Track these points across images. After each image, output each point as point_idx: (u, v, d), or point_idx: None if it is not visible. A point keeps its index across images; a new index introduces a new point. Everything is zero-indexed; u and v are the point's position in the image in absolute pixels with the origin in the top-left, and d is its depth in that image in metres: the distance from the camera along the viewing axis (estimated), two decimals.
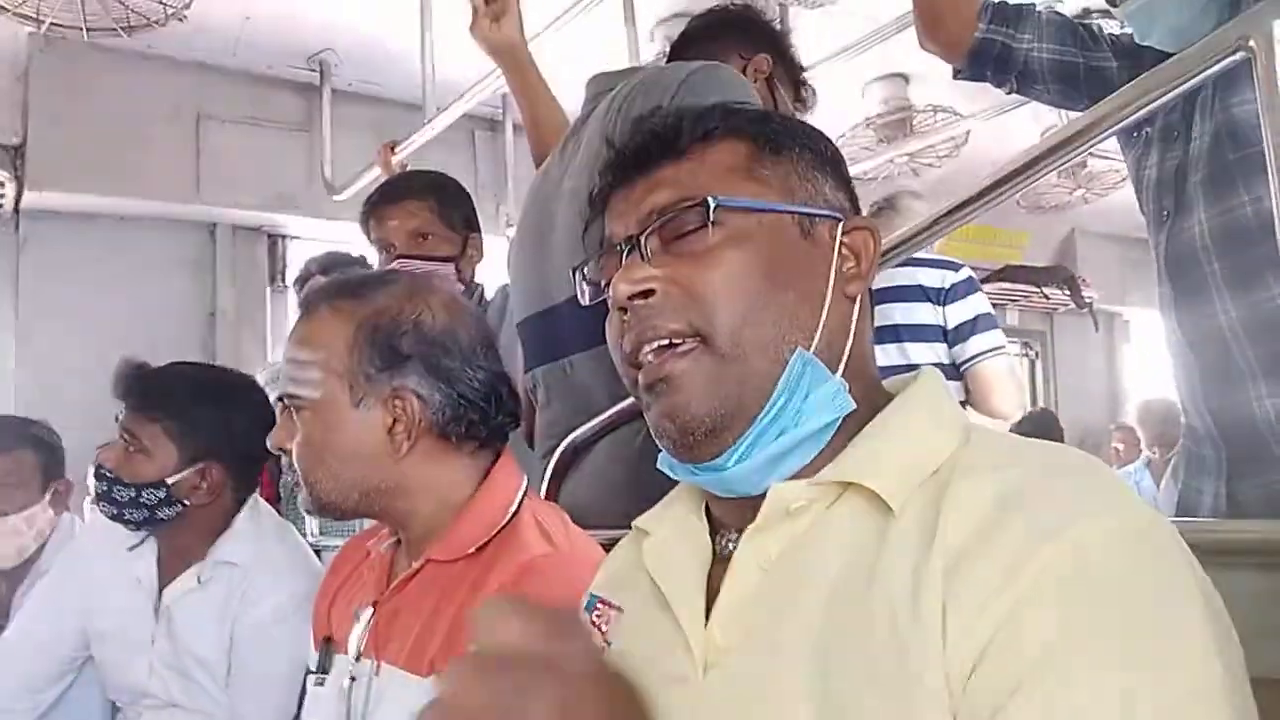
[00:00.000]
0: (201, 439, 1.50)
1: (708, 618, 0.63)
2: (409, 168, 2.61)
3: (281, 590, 1.50)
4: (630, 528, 0.76)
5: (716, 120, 0.70)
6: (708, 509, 0.71)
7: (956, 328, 2.11)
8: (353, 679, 1.03)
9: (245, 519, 1.56)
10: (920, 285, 2.12)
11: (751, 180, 0.67)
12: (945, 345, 2.13)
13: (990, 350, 2.11)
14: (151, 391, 1.53)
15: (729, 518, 0.68)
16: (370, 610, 1.05)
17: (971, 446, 0.60)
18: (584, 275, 0.75)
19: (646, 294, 0.64)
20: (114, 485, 1.49)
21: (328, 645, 1.11)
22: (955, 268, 2.16)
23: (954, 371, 2.13)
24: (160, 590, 1.56)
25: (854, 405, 0.64)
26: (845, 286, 0.67)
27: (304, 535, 2.45)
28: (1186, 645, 0.48)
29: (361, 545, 1.18)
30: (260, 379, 2.66)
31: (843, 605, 0.56)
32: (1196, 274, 1.28)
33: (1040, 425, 4.33)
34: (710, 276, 0.64)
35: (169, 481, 1.48)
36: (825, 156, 0.72)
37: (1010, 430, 4.31)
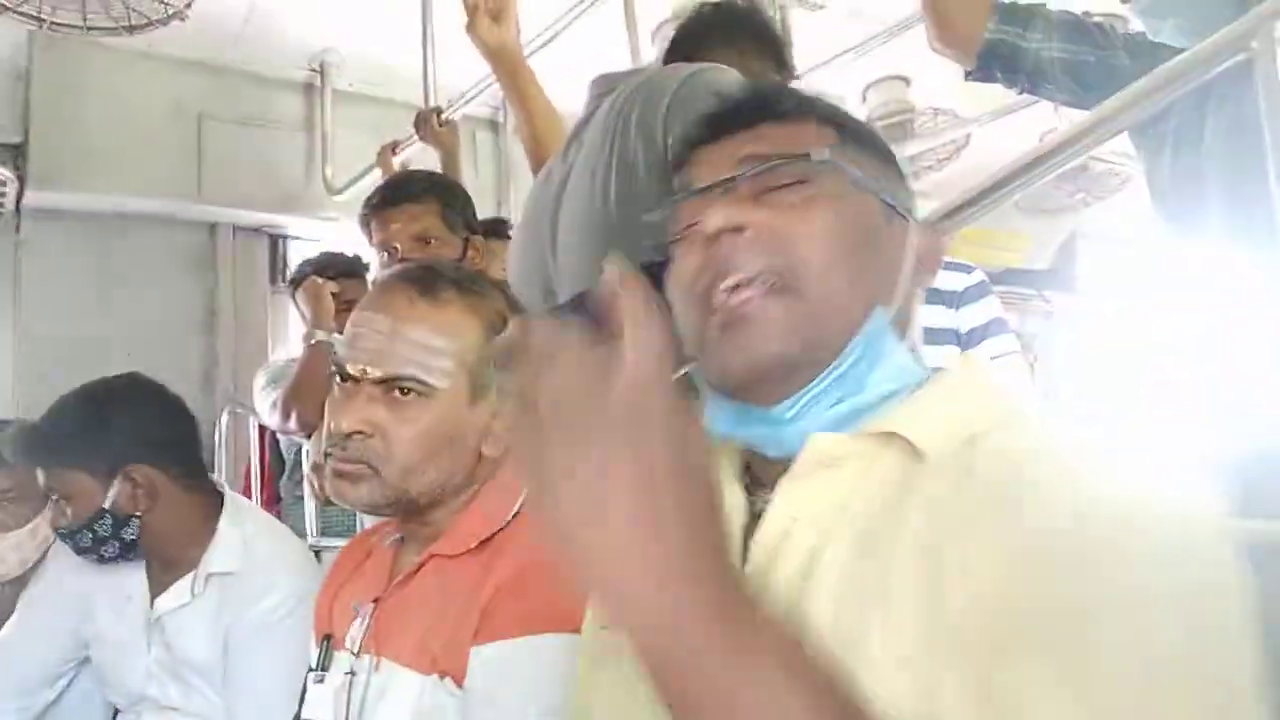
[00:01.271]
0: (104, 454, 1.49)
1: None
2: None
3: (275, 591, 1.50)
4: None
5: (813, 101, 0.71)
6: (745, 475, 0.70)
7: (969, 332, 2.07)
8: (352, 675, 1.03)
9: (228, 524, 1.55)
10: (934, 288, 2.07)
11: (844, 159, 0.67)
12: (958, 349, 2.09)
13: (1003, 354, 2.08)
14: (38, 443, 1.54)
15: (768, 476, 0.67)
16: (371, 606, 1.05)
17: (1007, 417, 0.61)
18: (650, 225, 0.73)
19: (738, 230, 0.64)
20: (72, 537, 1.51)
21: (328, 642, 1.11)
22: (968, 270, 2.12)
23: None
24: (152, 599, 1.56)
25: (926, 373, 0.66)
26: (916, 278, 0.69)
27: (304, 536, 2.45)
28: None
29: (365, 542, 1.18)
30: (261, 379, 2.67)
31: (870, 543, 0.57)
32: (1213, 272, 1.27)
33: None
34: (804, 228, 0.64)
35: (106, 506, 1.48)
36: (896, 167, 0.74)
37: None
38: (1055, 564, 0.48)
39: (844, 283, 0.63)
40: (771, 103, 0.70)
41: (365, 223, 1.95)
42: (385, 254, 1.91)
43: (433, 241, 1.88)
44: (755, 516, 0.66)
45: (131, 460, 1.49)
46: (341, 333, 1.09)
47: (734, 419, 0.66)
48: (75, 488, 1.49)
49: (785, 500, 0.63)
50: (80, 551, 1.52)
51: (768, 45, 1.52)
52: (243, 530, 1.56)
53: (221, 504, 1.59)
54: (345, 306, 2.35)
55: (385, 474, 0.97)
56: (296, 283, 2.58)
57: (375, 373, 0.98)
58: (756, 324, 0.62)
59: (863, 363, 0.63)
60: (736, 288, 0.63)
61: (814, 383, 0.63)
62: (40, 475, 1.53)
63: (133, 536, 1.50)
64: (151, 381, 1.60)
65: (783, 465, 0.64)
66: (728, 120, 0.70)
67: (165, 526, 1.52)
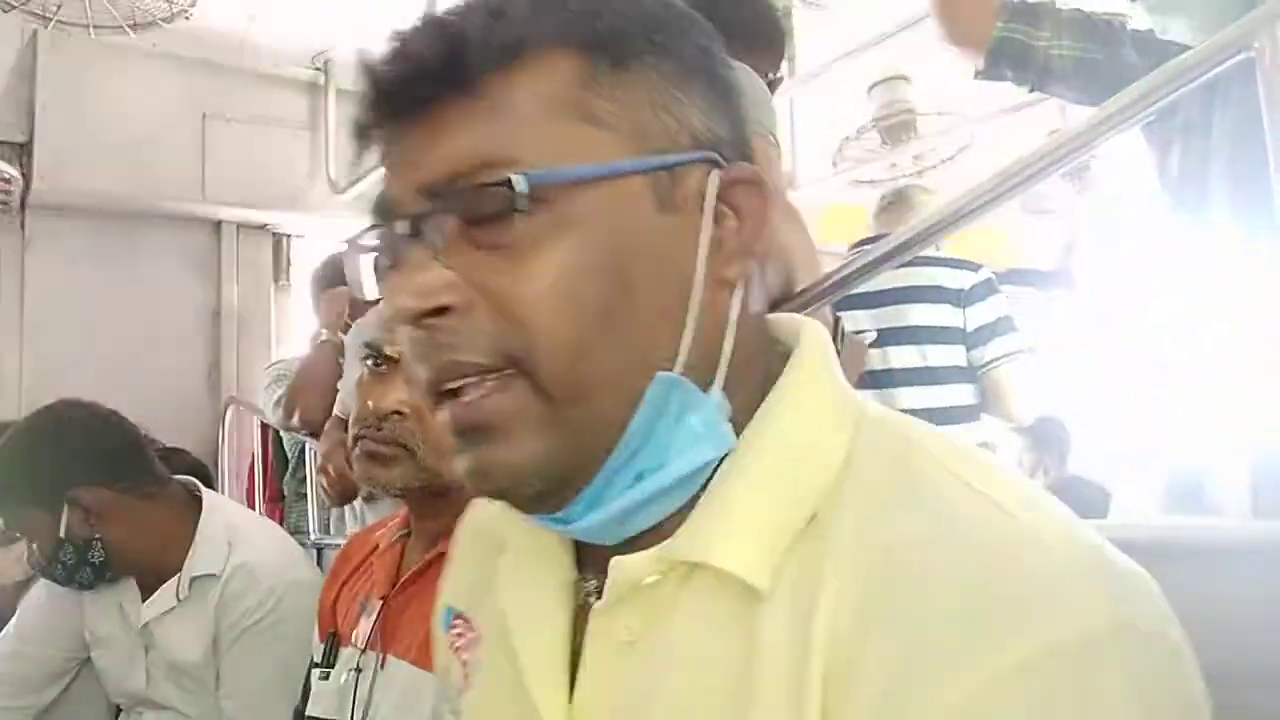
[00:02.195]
0: (44, 485, 1.49)
1: (572, 686, 0.51)
2: None
3: (259, 588, 1.49)
4: None
5: (524, 25, 0.46)
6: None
7: (976, 330, 2.06)
8: (358, 671, 1.03)
9: (207, 525, 1.55)
10: (940, 286, 2.06)
11: (584, 123, 0.46)
12: (964, 349, 2.08)
13: (1010, 354, 2.06)
14: None
15: (592, 555, 0.53)
16: (379, 603, 1.05)
17: (855, 467, 0.45)
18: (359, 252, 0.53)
19: (441, 310, 0.45)
20: (46, 572, 1.52)
21: (333, 638, 1.11)
22: (975, 268, 2.11)
23: (972, 375, 2.08)
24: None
25: (731, 443, 0.47)
26: (723, 269, 0.48)
27: (306, 534, 2.46)
28: None
29: (369, 538, 1.18)
30: (265, 377, 2.68)
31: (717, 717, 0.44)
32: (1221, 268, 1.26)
33: (1048, 431, 4.31)
34: (527, 288, 0.44)
35: (63, 536, 1.48)
36: (692, 58, 0.49)
37: (1016, 436, 4.30)
38: None
39: (602, 352, 0.45)
40: (456, 60, 0.45)
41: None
42: None
43: None
44: (581, 604, 0.53)
45: (71, 485, 1.49)
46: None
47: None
48: (31, 525, 1.50)
49: (604, 631, 0.50)
50: (60, 584, 1.53)
51: (762, 36, 1.50)
52: (223, 530, 1.55)
53: (199, 505, 1.59)
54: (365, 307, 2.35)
55: (420, 456, 0.98)
56: (321, 283, 2.55)
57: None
58: (498, 439, 0.46)
59: (652, 443, 0.46)
60: (461, 390, 0.46)
61: (591, 484, 0.46)
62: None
63: (100, 559, 1.50)
64: (78, 403, 1.59)
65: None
66: (399, 97, 0.48)
67: (131, 540, 1.52)
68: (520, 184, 0.43)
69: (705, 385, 0.47)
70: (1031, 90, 1.55)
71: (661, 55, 0.48)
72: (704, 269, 0.47)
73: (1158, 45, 1.36)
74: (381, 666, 1.01)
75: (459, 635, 0.61)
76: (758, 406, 0.48)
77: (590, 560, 0.53)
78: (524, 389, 0.45)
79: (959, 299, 2.06)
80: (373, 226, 0.51)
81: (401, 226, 0.47)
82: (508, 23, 0.46)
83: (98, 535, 1.49)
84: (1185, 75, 0.85)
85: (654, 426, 0.46)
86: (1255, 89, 1.19)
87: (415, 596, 1.03)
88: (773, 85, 1.51)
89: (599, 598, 0.50)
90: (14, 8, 2.44)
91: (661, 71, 0.48)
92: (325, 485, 1.79)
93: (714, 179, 0.48)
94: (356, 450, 1.01)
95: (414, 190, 0.47)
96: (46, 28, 2.56)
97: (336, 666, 1.08)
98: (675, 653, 0.46)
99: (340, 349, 2.48)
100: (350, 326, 2.31)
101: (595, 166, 0.45)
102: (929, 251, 1.89)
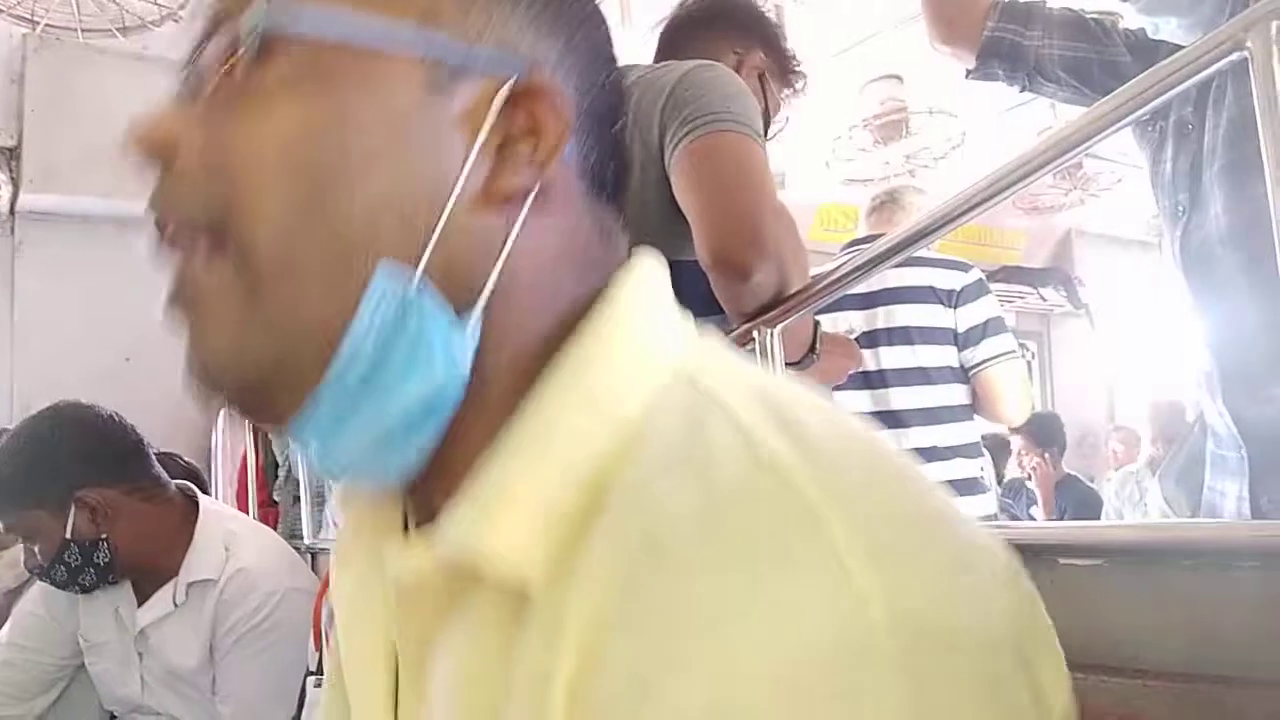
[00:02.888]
0: (52, 486, 1.49)
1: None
2: None
3: (256, 594, 1.50)
4: None
5: None
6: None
7: (967, 331, 2.06)
8: None
9: (204, 530, 1.55)
10: (932, 287, 2.06)
11: None
12: (956, 349, 2.08)
13: (1000, 355, 2.06)
14: None
15: (412, 499, 0.46)
16: None
17: (651, 428, 0.37)
18: None
19: (162, 149, 0.42)
20: (47, 575, 1.50)
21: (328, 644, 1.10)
22: (965, 269, 2.12)
23: (964, 375, 2.09)
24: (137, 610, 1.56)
25: (461, 372, 0.39)
26: (497, 182, 0.41)
27: (301, 538, 2.45)
28: None
29: None
30: None
31: None
32: (1213, 269, 1.26)
33: (1043, 429, 4.33)
34: (244, 141, 0.39)
35: (69, 537, 1.47)
36: None
37: (1012, 435, 4.32)
38: None
39: (321, 226, 0.38)
40: None
41: None
42: None
43: None
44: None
45: (79, 485, 1.48)
46: None
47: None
48: (35, 527, 1.49)
49: (403, 633, 0.45)
50: (61, 586, 1.52)
51: (756, 34, 1.50)
52: (220, 535, 1.56)
53: (195, 509, 1.59)
54: None
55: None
56: None
57: None
58: (199, 320, 0.41)
59: (371, 363, 0.39)
60: (173, 246, 0.42)
61: (312, 394, 0.39)
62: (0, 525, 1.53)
63: (105, 559, 1.50)
64: (79, 404, 1.59)
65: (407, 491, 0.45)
66: None
67: (134, 541, 1.51)
68: (257, 17, 0.38)
69: (458, 313, 0.40)
70: (1023, 90, 1.55)
71: None
72: (468, 178, 0.40)
73: (1150, 45, 1.36)
74: None
75: (331, 627, 0.57)
76: (548, 362, 0.40)
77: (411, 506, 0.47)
78: (222, 266, 0.39)
79: (950, 299, 2.07)
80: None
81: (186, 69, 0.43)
82: None
83: (104, 535, 1.49)
84: (1178, 75, 0.85)
85: (373, 336, 0.38)
86: (1249, 88, 1.20)
87: None
88: (769, 73, 1.49)
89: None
90: (2, 12, 2.43)
91: None
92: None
93: (506, 85, 0.41)
94: None
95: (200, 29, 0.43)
96: (35, 31, 2.54)
97: None
98: (452, 658, 0.41)
99: None
100: None
101: (353, 23, 0.39)
102: (921, 252, 1.89)
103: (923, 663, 0.29)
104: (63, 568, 1.48)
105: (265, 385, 0.40)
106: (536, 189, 0.41)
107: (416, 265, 0.39)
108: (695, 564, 0.31)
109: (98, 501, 1.49)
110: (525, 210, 0.41)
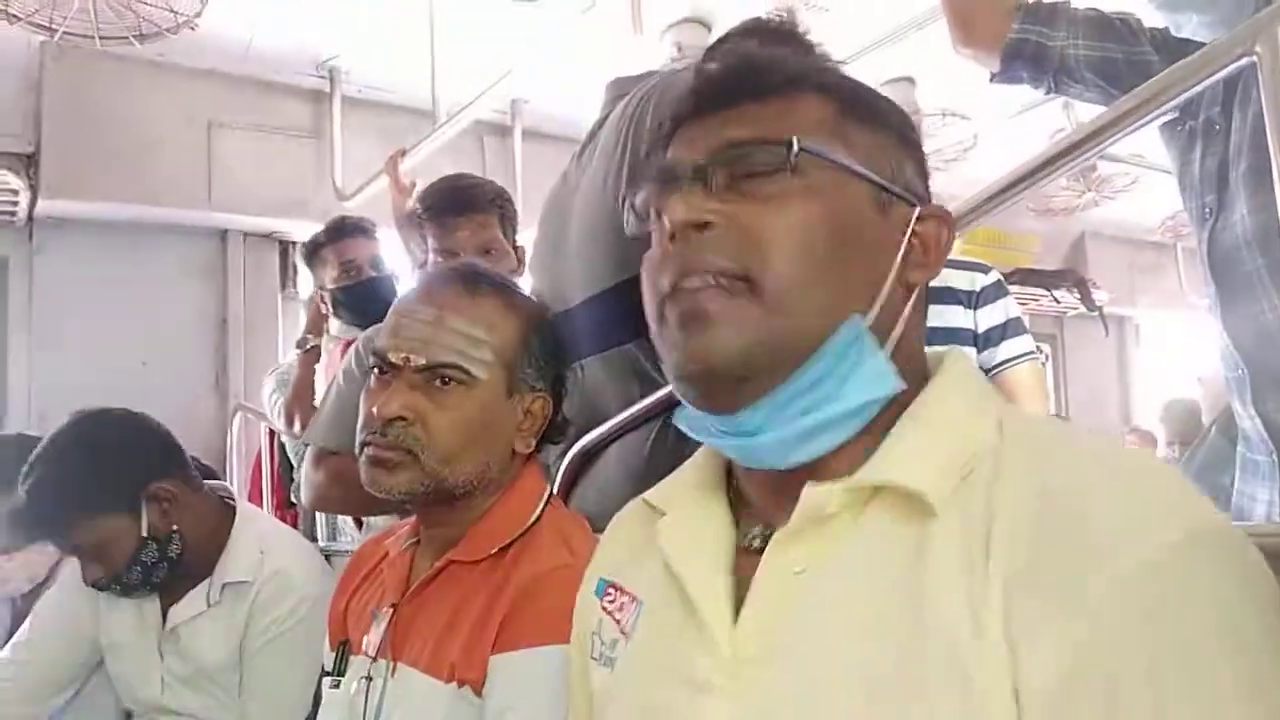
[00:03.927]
0: (120, 486, 1.49)
1: (735, 619, 0.60)
2: (416, 179, 2.60)
3: (289, 598, 1.52)
4: None
5: (809, 71, 0.65)
6: (729, 491, 0.68)
7: (986, 332, 2.05)
8: (369, 679, 1.03)
9: (240, 532, 1.56)
10: (951, 288, 2.05)
11: (837, 139, 0.62)
12: (975, 350, 2.07)
13: (1020, 356, 2.05)
14: (46, 514, 1.50)
15: (755, 505, 0.65)
16: (389, 611, 1.05)
17: (1010, 435, 0.57)
18: (633, 203, 0.69)
19: (704, 226, 0.60)
20: (119, 581, 1.50)
21: (344, 647, 1.11)
22: (985, 270, 2.10)
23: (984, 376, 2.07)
24: (165, 610, 1.56)
25: (902, 386, 0.59)
26: (909, 273, 0.63)
27: (315, 541, 2.46)
28: None
29: (379, 546, 1.18)
30: (268, 384, 2.68)
31: (891, 624, 0.53)
32: (1240, 271, 1.24)
33: None
34: (776, 223, 0.59)
35: (145, 535, 1.48)
36: (909, 139, 0.67)
37: None
38: (1144, 618, 0.46)
39: (815, 287, 0.59)
40: (758, 77, 0.64)
41: (419, 224, 1.92)
42: (442, 258, 1.87)
43: (493, 252, 1.86)
44: (743, 548, 0.64)
45: (148, 480, 1.50)
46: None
47: (700, 428, 0.64)
48: (105, 533, 1.48)
49: (782, 554, 0.60)
50: (131, 589, 1.52)
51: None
52: (255, 538, 1.57)
53: (231, 511, 1.60)
54: (345, 268, 2.36)
55: (425, 461, 0.99)
56: (311, 248, 2.50)
57: (419, 360, 1.00)
58: (714, 326, 0.59)
59: (830, 378, 0.58)
60: (698, 288, 0.60)
61: (776, 391, 0.59)
62: (53, 544, 1.53)
63: (177, 551, 1.51)
64: (108, 409, 1.59)
65: (762, 476, 0.63)
66: (710, 97, 0.65)
67: (195, 532, 1.54)
68: (795, 145, 0.60)
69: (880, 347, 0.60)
70: (1048, 92, 1.52)
71: (890, 126, 0.66)
72: (896, 269, 0.62)
73: (1175, 43, 1.33)
74: (392, 675, 1.01)
75: (611, 600, 0.72)
76: (915, 391, 0.61)
77: (745, 516, 0.66)
78: (746, 295, 0.58)
79: (970, 300, 2.06)
80: (659, 178, 0.65)
81: (690, 173, 0.62)
82: (799, 68, 0.65)
83: (175, 528, 1.51)
84: (1190, 79, 0.85)
85: (839, 360, 0.58)
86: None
87: (425, 604, 1.03)
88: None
89: (760, 542, 0.62)
90: (20, 20, 2.45)
91: (889, 135, 0.65)
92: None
93: (914, 212, 0.64)
94: (362, 457, 1.01)
95: (698, 155, 0.63)
96: (53, 39, 2.57)
97: (347, 675, 1.08)
98: (844, 572, 0.56)
99: (318, 352, 2.48)
100: (342, 278, 2.31)
101: (844, 159, 0.61)
102: None
103: (1250, 550, 0.49)
104: (138, 568, 1.49)
105: (746, 378, 0.59)
106: (928, 280, 0.64)
107: (867, 317, 0.60)
108: (1093, 497, 0.50)
109: (167, 493, 1.51)
110: (915, 295, 0.63)
